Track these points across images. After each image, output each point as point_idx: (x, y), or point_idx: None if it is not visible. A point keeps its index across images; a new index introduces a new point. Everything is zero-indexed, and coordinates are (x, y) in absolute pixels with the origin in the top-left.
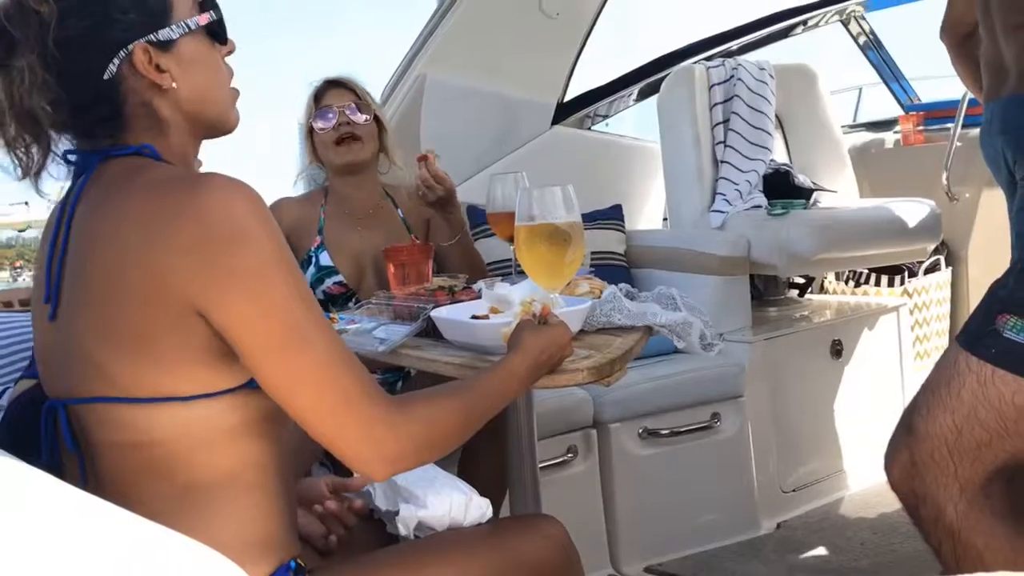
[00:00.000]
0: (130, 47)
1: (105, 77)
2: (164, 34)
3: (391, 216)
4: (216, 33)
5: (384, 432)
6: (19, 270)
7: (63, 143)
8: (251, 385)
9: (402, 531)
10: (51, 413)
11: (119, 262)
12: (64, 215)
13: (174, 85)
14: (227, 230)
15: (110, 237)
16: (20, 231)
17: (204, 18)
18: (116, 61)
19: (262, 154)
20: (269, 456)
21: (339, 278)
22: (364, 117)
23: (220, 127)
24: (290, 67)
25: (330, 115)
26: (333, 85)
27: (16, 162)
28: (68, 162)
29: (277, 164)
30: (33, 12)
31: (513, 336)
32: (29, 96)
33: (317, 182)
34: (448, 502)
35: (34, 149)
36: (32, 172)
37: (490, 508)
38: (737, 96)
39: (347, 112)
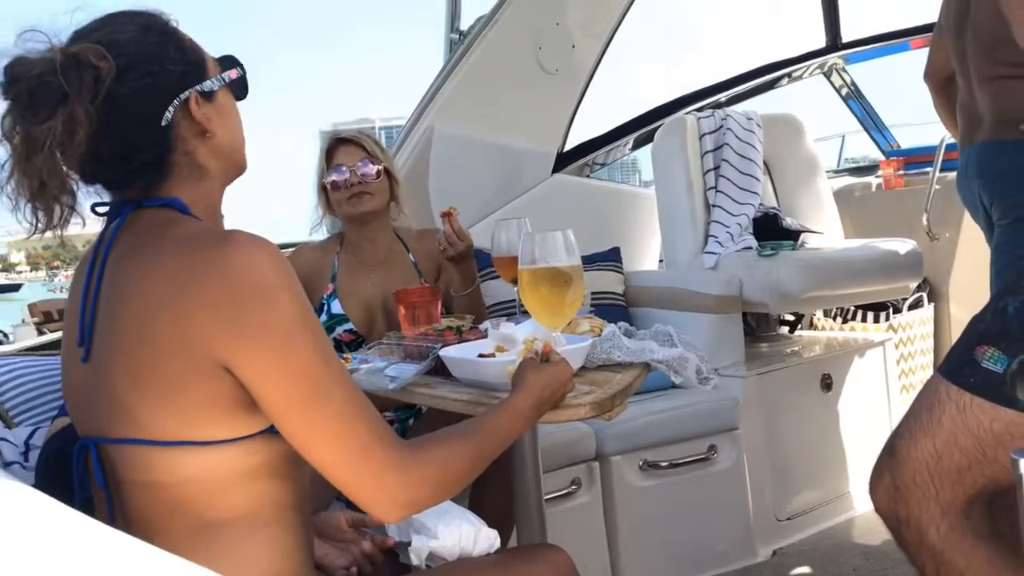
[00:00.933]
0: (183, 95)
1: (162, 124)
2: (207, 85)
3: (403, 261)
4: (240, 88)
5: (397, 478)
6: (55, 271)
7: (90, 196)
8: (272, 431)
9: (414, 561)
10: (83, 451)
11: (149, 312)
12: (97, 259)
13: (216, 133)
14: (253, 287)
15: (141, 287)
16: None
17: (234, 73)
18: (171, 109)
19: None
20: (287, 495)
21: (349, 325)
22: (375, 170)
23: (240, 171)
24: (297, 83)
25: (343, 170)
26: (343, 142)
27: (41, 215)
28: (96, 213)
29: (286, 179)
30: (91, 67)
31: (517, 374)
32: (71, 146)
33: (335, 227)
34: (458, 533)
35: (60, 202)
36: (55, 225)
37: (498, 539)
38: (727, 144)
39: (358, 169)
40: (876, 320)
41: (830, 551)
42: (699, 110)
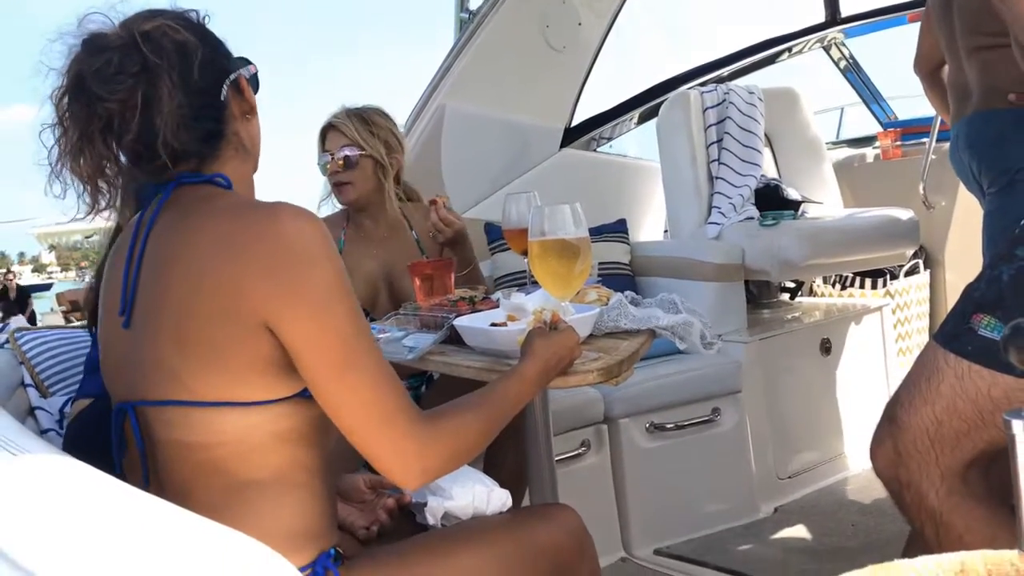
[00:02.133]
0: (234, 75)
1: (220, 99)
2: (246, 71)
3: (405, 239)
4: (255, 83)
5: (415, 447)
6: (84, 271)
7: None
8: (304, 394)
9: (430, 520)
10: (120, 416)
11: (196, 276)
12: (140, 234)
13: (254, 115)
14: (300, 253)
15: (188, 254)
16: (87, 237)
17: (253, 68)
18: (226, 86)
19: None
20: (314, 459)
21: None
22: (354, 156)
23: (256, 165)
24: (315, 89)
25: (326, 156)
26: (330, 128)
27: (93, 197)
28: (140, 198)
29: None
30: (170, 39)
31: (525, 343)
32: (143, 119)
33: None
34: (471, 494)
35: (114, 184)
36: (107, 207)
37: (510, 498)
38: (729, 118)
39: (337, 156)
40: (874, 286)
41: (829, 508)
42: (702, 85)
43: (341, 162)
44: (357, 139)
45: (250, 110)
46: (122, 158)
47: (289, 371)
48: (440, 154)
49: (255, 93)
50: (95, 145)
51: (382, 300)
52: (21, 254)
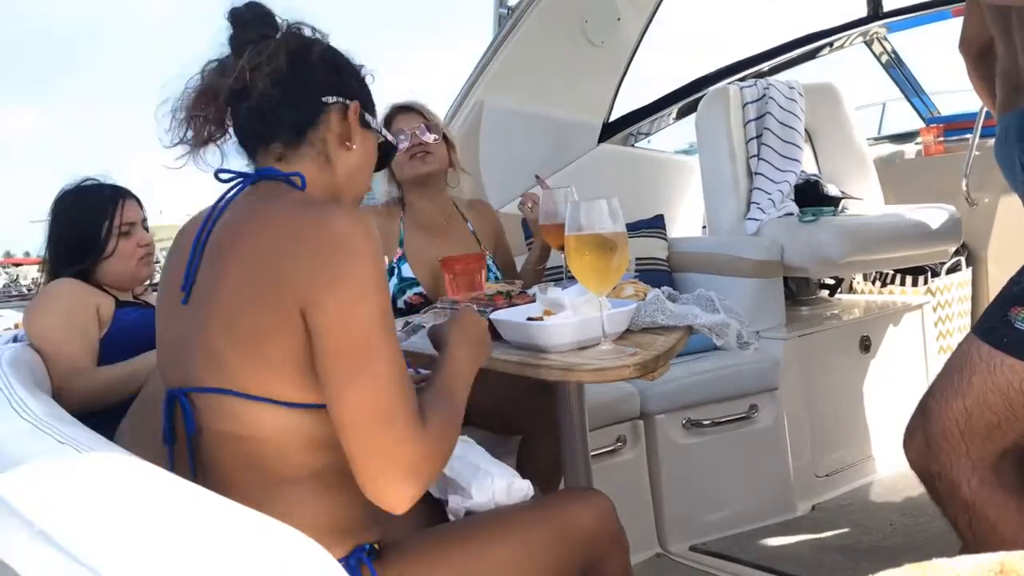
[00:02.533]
0: (351, 101)
1: (323, 100)
2: (369, 114)
3: (462, 228)
4: (387, 152)
5: (411, 449)
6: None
7: (219, 154)
8: None
9: (452, 518)
10: (172, 401)
11: (252, 264)
12: (211, 216)
13: (352, 148)
14: (345, 246)
15: (247, 242)
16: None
17: (389, 137)
18: (338, 99)
19: None
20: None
21: (419, 289)
22: (433, 136)
23: (352, 199)
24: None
25: (404, 133)
26: (402, 110)
27: (187, 131)
28: (219, 180)
29: None
30: (301, 31)
31: (433, 337)
32: (260, 74)
33: (389, 196)
34: (491, 490)
35: (209, 129)
36: (201, 143)
37: (531, 488)
38: (769, 113)
39: (418, 133)
40: (915, 284)
41: (867, 507)
42: (742, 80)
43: (422, 136)
44: (434, 119)
45: (347, 137)
46: (229, 124)
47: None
48: (478, 149)
49: (384, 165)
50: (219, 100)
51: (443, 288)
52: (27, 253)
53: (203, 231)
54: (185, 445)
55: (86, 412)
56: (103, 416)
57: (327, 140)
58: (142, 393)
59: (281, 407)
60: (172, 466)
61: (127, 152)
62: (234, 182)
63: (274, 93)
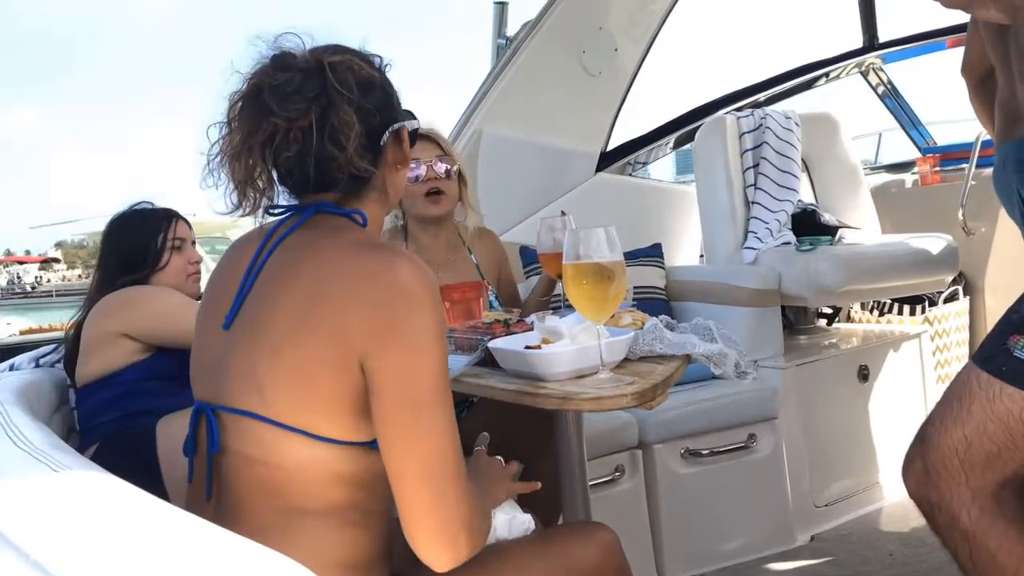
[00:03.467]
0: (398, 125)
1: (381, 143)
2: (411, 124)
3: (465, 259)
4: (415, 139)
5: (464, 517)
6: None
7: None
8: (374, 445)
9: None
10: (197, 416)
11: (310, 299)
12: (267, 246)
13: (403, 168)
14: (410, 296)
15: (307, 276)
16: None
17: (416, 123)
18: (388, 133)
19: None
20: (376, 504)
21: None
22: (445, 168)
23: (392, 208)
24: None
25: (420, 164)
26: (420, 137)
27: (241, 201)
28: (271, 214)
29: None
30: (353, 73)
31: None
32: (304, 141)
33: (391, 222)
34: (493, 524)
35: (263, 193)
36: (246, 213)
37: (532, 523)
38: (766, 143)
39: (435, 166)
40: (912, 313)
41: (867, 537)
42: (738, 110)
43: (443, 174)
44: (451, 151)
45: (403, 161)
46: (274, 173)
47: (369, 417)
48: (477, 178)
49: (412, 146)
50: (253, 153)
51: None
52: (27, 251)
53: (256, 259)
54: (204, 461)
55: None
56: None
57: (385, 175)
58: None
59: (313, 440)
60: (191, 478)
61: (127, 151)
62: (292, 216)
63: (334, 150)
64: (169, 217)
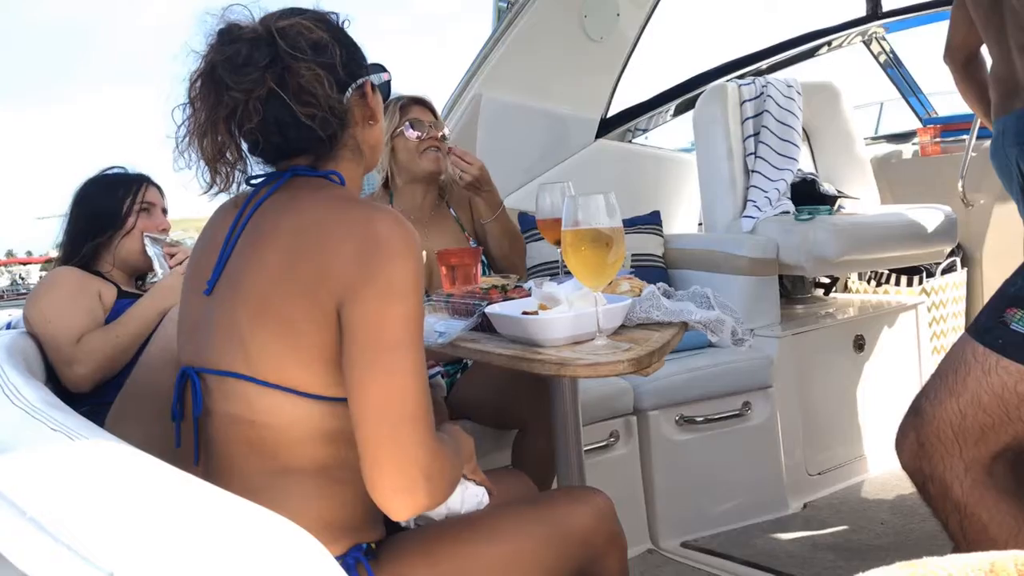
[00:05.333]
0: (361, 80)
1: (343, 101)
2: (376, 78)
3: (447, 218)
4: (386, 90)
5: (425, 459)
6: None
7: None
8: None
9: (403, 523)
10: (182, 380)
11: (292, 255)
12: (245, 211)
13: (376, 123)
14: (387, 246)
15: (287, 234)
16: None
17: (386, 76)
18: (351, 89)
19: None
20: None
21: None
22: (441, 134)
23: (373, 166)
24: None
25: (422, 125)
26: (416, 102)
27: (214, 177)
28: (251, 184)
29: None
30: (304, 36)
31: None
32: (265, 110)
33: (370, 189)
34: None
35: (234, 167)
36: (222, 188)
37: (486, 496)
38: (767, 111)
39: (434, 128)
40: (909, 284)
41: (858, 505)
42: (740, 77)
43: (440, 135)
44: (440, 118)
45: (372, 116)
46: (243, 144)
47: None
48: (475, 143)
49: (385, 99)
50: (219, 130)
51: (435, 280)
52: (28, 252)
53: (236, 224)
54: (192, 424)
55: (101, 380)
56: (97, 397)
57: (355, 132)
58: (132, 375)
59: (297, 396)
60: (179, 442)
61: (125, 153)
62: (269, 181)
63: (297, 114)
64: (140, 180)
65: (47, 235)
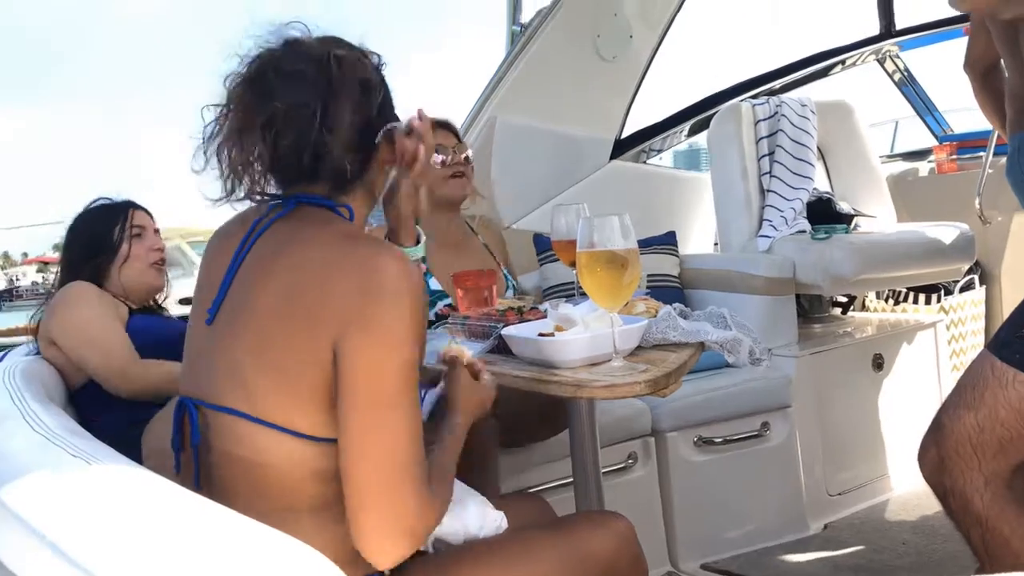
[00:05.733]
0: (390, 125)
1: (375, 142)
2: (403, 126)
3: (475, 244)
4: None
5: (415, 510)
6: None
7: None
8: None
9: (421, 547)
10: (182, 409)
11: (292, 292)
12: (249, 238)
13: (392, 169)
14: (388, 288)
15: (288, 269)
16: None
17: (402, 125)
18: (382, 133)
19: None
20: None
21: (448, 300)
22: (466, 156)
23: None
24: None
25: (446, 150)
26: (439, 126)
27: (232, 185)
28: (254, 200)
29: None
30: (356, 72)
31: (451, 393)
32: (307, 127)
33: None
34: (462, 520)
35: (257, 183)
36: (240, 199)
37: (504, 520)
38: (781, 130)
39: (458, 152)
40: (927, 302)
41: (879, 525)
42: (754, 97)
43: (464, 157)
44: (463, 140)
45: (391, 161)
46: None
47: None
48: (490, 166)
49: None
50: (252, 135)
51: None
52: (24, 254)
53: (240, 251)
54: (191, 455)
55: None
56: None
57: (374, 174)
58: (173, 399)
59: (295, 437)
60: (178, 470)
61: (112, 154)
62: (275, 207)
63: (330, 142)
64: (126, 207)
65: (21, 240)
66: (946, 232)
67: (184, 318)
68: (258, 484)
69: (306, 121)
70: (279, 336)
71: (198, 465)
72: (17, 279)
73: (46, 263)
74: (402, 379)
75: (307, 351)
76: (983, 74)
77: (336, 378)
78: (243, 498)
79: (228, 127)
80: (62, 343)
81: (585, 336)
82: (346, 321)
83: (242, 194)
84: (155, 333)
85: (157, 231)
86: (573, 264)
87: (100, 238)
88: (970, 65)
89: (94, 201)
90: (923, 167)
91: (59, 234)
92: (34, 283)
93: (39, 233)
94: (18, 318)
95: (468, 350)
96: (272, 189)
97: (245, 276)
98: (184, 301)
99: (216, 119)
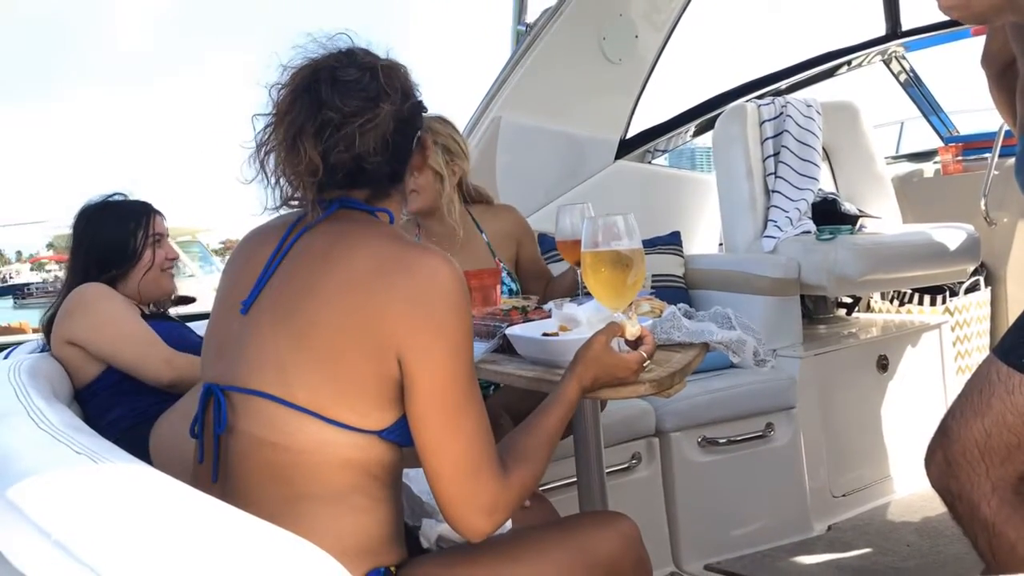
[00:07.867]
0: (421, 132)
1: (412, 146)
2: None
3: (478, 243)
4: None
5: (491, 501)
6: None
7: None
8: (383, 435)
9: (424, 543)
10: (206, 397)
11: (344, 286)
12: (291, 235)
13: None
14: (447, 295)
15: (342, 263)
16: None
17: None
18: (416, 139)
19: None
20: (380, 491)
21: None
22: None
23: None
24: None
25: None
26: (441, 122)
27: (285, 193)
28: (290, 206)
29: None
30: (400, 82)
31: (581, 352)
32: (357, 134)
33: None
34: None
35: (309, 190)
36: (298, 206)
37: (509, 521)
38: (786, 131)
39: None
40: (933, 303)
41: (884, 527)
42: (759, 97)
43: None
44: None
45: (419, 166)
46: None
47: (387, 406)
48: (495, 165)
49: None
50: (305, 143)
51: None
52: (19, 253)
53: (280, 248)
54: (212, 442)
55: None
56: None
57: (407, 177)
58: (188, 393)
59: (324, 422)
60: (201, 458)
61: (106, 155)
62: (315, 207)
63: (376, 150)
64: (148, 212)
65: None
66: (951, 233)
67: (184, 319)
68: (282, 468)
69: (355, 130)
70: (328, 329)
71: (217, 454)
72: (11, 277)
73: (43, 263)
74: (470, 379)
75: (363, 345)
76: (1000, 71)
77: (405, 382)
78: (262, 482)
79: (280, 135)
80: (90, 340)
81: (589, 336)
82: (411, 325)
83: (298, 203)
84: (164, 336)
85: (168, 237)
86: (577, 264)
87: (121, 244)
88: (987, 61)
89: (110, 195)
90: (928, 168)
91: (47, 233)
92: (44, 280)
93: (28, 231)
94: (31, 315)
95: (632, 326)
96: (311, 195)
97: (287, 270)
98: (179, 300)
99: (265, 128)
